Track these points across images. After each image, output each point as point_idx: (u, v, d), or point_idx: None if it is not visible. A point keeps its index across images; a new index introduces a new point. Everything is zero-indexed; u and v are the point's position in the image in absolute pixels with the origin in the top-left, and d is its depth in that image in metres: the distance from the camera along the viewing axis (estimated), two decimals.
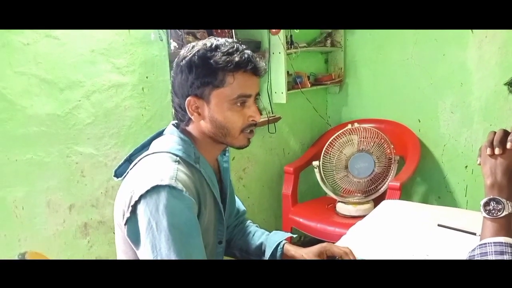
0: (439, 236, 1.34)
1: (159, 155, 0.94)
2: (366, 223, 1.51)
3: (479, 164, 1.02)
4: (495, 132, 0.98)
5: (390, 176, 2.21)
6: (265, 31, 2.22)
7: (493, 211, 0.92)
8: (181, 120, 1.00)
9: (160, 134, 1.05)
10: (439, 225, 1.43)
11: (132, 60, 1.67)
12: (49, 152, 1.51)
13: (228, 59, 0.91)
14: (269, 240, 1.20)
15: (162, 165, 0.91)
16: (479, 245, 0.92)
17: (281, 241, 1.18)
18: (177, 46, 1.70)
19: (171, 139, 0.98)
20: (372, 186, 2.23)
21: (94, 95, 1.59)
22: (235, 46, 0.93)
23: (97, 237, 1.66)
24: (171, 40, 1.70)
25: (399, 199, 1.96)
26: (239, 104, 0.94)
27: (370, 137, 2.16)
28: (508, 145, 0.94)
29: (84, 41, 1.54)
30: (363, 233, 1.40)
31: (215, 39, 0.95)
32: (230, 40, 0.95)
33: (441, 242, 1.30)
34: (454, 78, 2.22)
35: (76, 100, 1.55)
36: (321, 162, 2.20)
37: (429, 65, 2.29)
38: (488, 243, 0.90)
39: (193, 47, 0.94)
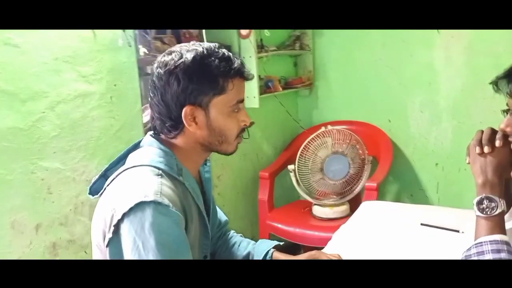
0: (424, 236, 1.34)
1: (139, 169, 0.88)
2: (350, 226, 1.49)
3: (468, 163, 1.02)
4: (482, 131, 0.99)
5: (364, 176, 2.22)
6: (234, 35, 2.17)
7: (487, 210, 0.92)
8: (170, 131, 0.93)
9: (136, 146, 0.99)
10: (422, 224, 1.43)
11: (99, 68, 1.58)
12: (12, 169, 1.39)
13: (227, 65, 0.89)
14: (256, 250, 1.17)
15: (144, 180, 0.85)
16: (475, 244, 0.92)
17: (269, 250, 1.15)
18: (146, 52, 1.62)
19: (151, 151, 0.92)
20: (348, 188, 2.23)
21: (59, 105, 1.49)
22: (224, 51, 0.91)
23: (67, 257, 1.55)
24: (140, 46, 1.63)
25: (376, 199, 1.97)
26: (235, 110, 0.93)
27: (343, 139, 2.16)
28: (497, 143, 0.94)
29: (46, 49, 1.43)
30: (348, 236, 1.38)
31: (199, 44, 0.91)
32: (212, 44, 0.92)
33: (427, 241, 1.30)
34: (422, 78, 2.26)
35: (40, 112, 1.44)
36: (296, 166, 2.18)
37: (398, 66, 2.33)
38: (484, 242, 0.90)
39: (181, 54, 0.89)
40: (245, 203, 2.40)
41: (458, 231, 1.36)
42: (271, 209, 2.27)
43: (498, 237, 0.90)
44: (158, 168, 0.88)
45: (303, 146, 2.16)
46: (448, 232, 1.37)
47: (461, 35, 2.09)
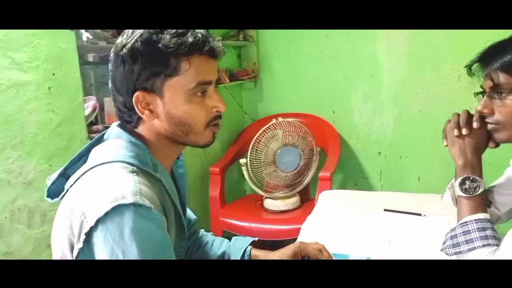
0: (389, 221, 1.37)
1: (110, 165, 0.76)
2: (316, 217, 1.47)
3: (446, 146, 1.04)
4: (458, 114, 1.01)
5: (313, 167, 2.24)
6: None
7: (469, 190, 0.94)
8: (128, 121, 0.83)
9: (100, 140, 0.86)
10: (385, 210, 1.46)
11: (35, 54, 1.38)
12: None
13: (180, 41, 0.76)
14: (232, 248, 1.09)
15: (119, 179, 0.73)
16: (460, 224, 0.93)
17: (246, 247, 1.08)
18: (91, 37, 1.46)
19: (120, 145, 0.80)
20: (298, 179, 2.23)
21: None
22: None
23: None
24: (82, 31, 1.45)
25: (330, 188, 1.99)
26: (199, 94, 0.80)
27: (294, 130, 2.15)
28: (475, 125, 0.96)
29: None
30: (317, 228, 1.36)
31: None
32: None
33: (394, 226, 1.33)
34: (365, 70, 2.33)
35: None
36: (248, 159, 2.13)
37: (341, 58, 2.38)
38: (469, 221, 0.92)
39: (133, 32, 0.78)
40: (194, 201, 2.30)
41: (420, 214, 1.41)
42: (223, 206, 2.19)
43: (482, 215, 0.92)
44: (132, 164, 0.77)
45: (254, 139, 2.11)
46: (411, 216, 1.41)
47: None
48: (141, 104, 0.79)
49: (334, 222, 1.40)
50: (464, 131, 0.97)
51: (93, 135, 1.64)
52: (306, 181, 2.24)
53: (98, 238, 0.69)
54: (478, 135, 0.97)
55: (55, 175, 0.84)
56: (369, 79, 2.34)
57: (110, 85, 0.83)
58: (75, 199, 0.74)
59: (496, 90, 0.92)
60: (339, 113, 2.46)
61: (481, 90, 0.99)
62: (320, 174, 2.02)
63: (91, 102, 1.74)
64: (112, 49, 0.81)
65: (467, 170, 0.96)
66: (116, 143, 0.82)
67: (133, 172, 0.76)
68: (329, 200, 1.62)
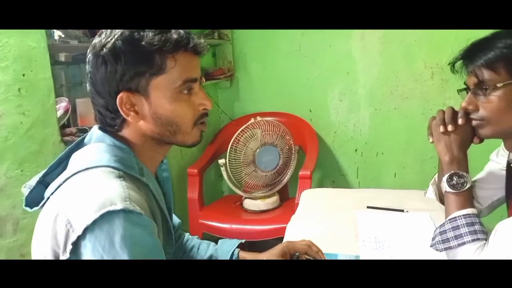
0: (373, 218, 1.37)
1: (95, 171, 0.73)
2: (300, 216, 1.47)
3: (432, 142, 1.05)
4: (443, 111, 1.02)
5: (292, 166, 2.23)
6: None
7: (457, 185, 0.95)
8: (111, 125, 0.79)
9: (80, 144, 0.82)
10: (368, 207, 1.47)
11: (3, 54, 1.30)
12: None
13: (164, 38, 0.73)
14: (219, 252, 1.08)
15: (105, 184, 0.70)
16: (449, 219, 0.94)
17: (234, 250, 1.06)
18: (62, 36, 1.39)
19: (103, 149, 0.77)
20: (278, 178, 2.22)
21: None
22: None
23: None
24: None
25: (310, 187, 1.99)
26: (185, 91, 0.77)
27: (272, 129, 2.14)
28: (460, 121, 0.98)
29: None
30: (303, 227, 1.35)
31: None
32: None
33: (378, 223, 1.33)
34: (341, 68, 2.35)
35: None
36: (227, 159, 2.10)
37: (317, 56, 2.38)
38: (458, 216, 0.93)
39: (112, 31, 0.75)
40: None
41: (402, 211, 1.42)
42: (202, 207, 2.15)
43: (470, 210, 0.93)
44: (117, 169, 0.73)
45: (233, 138, 2.08)
46: (394, 212, 1.42)
47: None
48: (125, 106, 0.76)
49: (319, 221, 1.39)
50: (449, 128, 0.98)
51: (66, 138, 1.57)
52: (285, 180, 2.24)
53: (86, 248, 0.65)
54: (463, 131, 0.98)
55: (32, 182, 0.79)
56: (345, 77, 2.35)
57: (89, 87, 0.79)
58: (59, 208, 0.70)
59: (480, 87, 0.93)
60: (315, 112, 2.47)
61: (464, 87, 1.01)
62: (300, 173, 2.02)
63: (63, 103, 1.67)
64: (89, 50, 0.78)
65: (454, 166, 0.97)
66: (98, 147, 0.78)
67: (119, 177, 0.72)
68: (311, 199, 1.61)
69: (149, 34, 0.73)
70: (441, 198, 1.19)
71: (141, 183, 0.77)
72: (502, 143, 1.15)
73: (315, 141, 2.32)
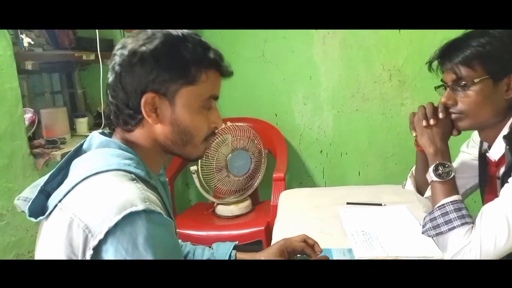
0: (355, 213, 1.43)
1: (107, 175, 0.72)
2: (284, 217, 1.49)
3: (415, 136, 1.12)
4: (424, 107, 1.10)
5: (262, 170, 2.26)
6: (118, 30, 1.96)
7: (443, 175, 1.02)
8: (125, 122, 0.80)
9: (78, 151, 0.81)
10: (348, 203, 1.53)
11: None
12: None
13: (203, 53, 0.77)
14: (216, 255, 1.09)
15: (121, 187, 0.69)
16: (438, 207, 1.01)
17: (231, 252, 1.07)
18: (32, 42, 1.32)
19: (111, 153, 0.76)
20: (250, 183, 2.24)
21: None
22: (203, 39, 0.80)
23: None
24: (23, 35, 1.31)
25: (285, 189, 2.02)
26: (207, 107, 0.81)
27: (243, 134, 2.16)
28: (441, 115, 1.05)
29: None
30: (289, 227, 1.38)
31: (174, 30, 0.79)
32: (190, 31, 0.80)
33: (360, 217, 1.39)
34: (304, 72, 2.41)
35: None
36: (199, 166, 2.08)
37: (280, 61, 2.43)
38: (446, 203, 0.99)
39: (153, 34, 0.76)
40: None
41: (381, 204, 1.50)
42: (175, 217, 2.11)
43: (457, 197, 1.00)
44: (129, 172, 0.73)
45: None
46: (373, 206, 1.49)
47: (336, 31, 2.30)
48: (148, 107, 0.77)
49: (303, 220, 1.43)
50: (431, 122, 1.05)
51: (35, 150, 1.50)
52: (256, 184, 2.26)
53: (108, 252, 0.64)
54: (444, 124, 1.06)
55: (26, 194, 0.77)
56: (308, 82, 2.42)
57: (111, 80, 0.79)
58: (72, 214, 0.68)
59: (458, 83, 1.01)
60: (281, 116, 2.52)
61: (441, 83, 1.09)
62: (274, 175, 2.05)
63: (29, 114, 1.59)
64: (121, 45, 0.78)
65: (439, 157, 1.04)
66: (105, 152, 0.77)
67: (132, 179, 0.72)
68: (290, 200, 1.65)
69: (190, 46, 0.76)
70: (419, 189, 1.26)
71: (151, 186, 0.76)
72: (472, 135, 1.25)
73: (283, 144, 2.37)
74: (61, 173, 0.79)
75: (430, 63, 1.09)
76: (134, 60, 0.75)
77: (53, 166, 0.80)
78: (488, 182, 1.13)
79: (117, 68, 0.77)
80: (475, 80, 0.98)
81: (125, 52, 0.76)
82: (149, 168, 0.80)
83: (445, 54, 1.04)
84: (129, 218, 0.64)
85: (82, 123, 1.86)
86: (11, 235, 1.38)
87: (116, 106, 0.79)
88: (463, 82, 1.00)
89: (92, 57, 1.77)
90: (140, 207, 0.65)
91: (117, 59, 0.77)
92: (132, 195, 0.67)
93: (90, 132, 0.85)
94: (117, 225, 0.63)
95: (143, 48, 0.75)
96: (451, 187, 1.02)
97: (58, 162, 0.81)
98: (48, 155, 1.44)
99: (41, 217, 0.73)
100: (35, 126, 1.58)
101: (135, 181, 0.72)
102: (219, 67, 0.80)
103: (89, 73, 2.15)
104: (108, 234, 0.63)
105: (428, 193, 1.21)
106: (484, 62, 0.97)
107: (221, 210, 2.18)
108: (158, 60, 0.74)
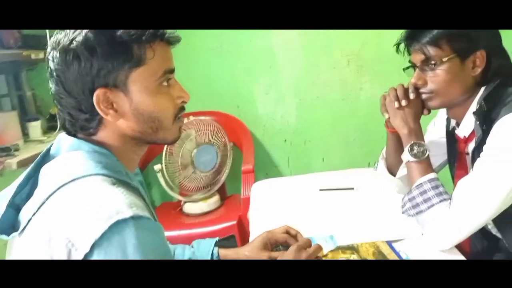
0: (329, 198, 1.44)
1: (85, 181, 0.66)
2: (258, 209, 1.47)
3: (388, 118, 1.13)
4: (395, 89, 1.11)
5: (228, 164, 2.23)
6: None
7: (418, 154, 1.04)
8: (84, 128, 0.74)
9: (46, 156, 0.75)
10: (321, 190, 1.53)
11: None
12: None
13: (139, 28, 0.70)
14: (198, 254, 1.06)
15: (103, 193, 0.64)
16: (416, 186, 1.02)
17: (213, 249, 1.04)
18: None
19: (84, 156, 0.71)
20: (217, 178, 2.20)
21: None
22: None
23: None
24: None
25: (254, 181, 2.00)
26: (165, 83, 0.74)
27: (207, 128, 2.11)
28: (411, 96, 1.07)
29: None
30: (267, 219, 1.35)
31: None
32: None
33: (335, 202, 1.40)
34: (264, 62, 2.38)
35: None
36: (163, 164, 2.02)
37: (239, 52, 2.39)
38: (423, 182, 1.01)
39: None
40: None
41: (353, 188, 1.51)
42: None
43: (433, 175, 1.03)
44: (108, 176, 0.68)
45: None
46: (346, 190, 1.51)
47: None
48: (103, 104, 0.70)
49: (279, 210, 1.41)
50: (403, 103, 1.07)
51: None
52: (223, 178, 2.22)
53: None
54: (415, 104, 1.08)
55: (1, 207, 0.69)
56: (268, 71, 2.40)
57: (54, 88, 0.72)
58: (51, 228, 0.62)
59: (427, 63, 1.03)
60: (243, 107, 2.48)
61: (409, 65, 1.10)
62: (243, 168, 2.03)
63: None
64: (51, 47, 0.71)
65: (413, 137, 1.06)
66: (77, 155, 0.71)
67: (113, 184, 0.67)
68: (263, 191, 1.63)
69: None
70: (391, 170, 1.29)
71: (133, 188, 0.71)
72: (438, 114, 1.28)
73: (248, 135, 2.34)
74: (30, 183, 0.72)
75: (397, 45, 1.10)
76: (69, 59, 0.68)
77: (9, 176, 0.73)
78: (457, 159, 1.16)
79: (55, 74, 0.70)
80: (444, 59, 1.00)
81: (57, 53, 0.69)
82: (126, 168, 0.75)
83: (413, 35, 1.05)
84: (116, 227, 0.59)
85: (35, 127, 1.73)
86: None
87: (68, 114, 0.72)
88: (432, 62, 1.02)
89: (41, 55, 1.66)
90: (127, 214, 0.60)
91: (51, 64, 0.70)
92: (116, 202, 0.62)
93: (44, 136, 0.78)
94: (103, 236, 0.58)
95: (74, 43, 0.67)
96: (427, 165, 1.04)
97: (14, 171, 0.73)
98: (3, 164, 1.33)
99: (14, 234, 0.66)
100: None
101: (116, 185, 0.66)
102: (162, 36, 0.72)
103: (37, 73, 2.01)
104: (94, 246, 0.58)
105: (400, 173, 1.24)
106: (451, 41, 0.99)
107: (190, 208, 2.13)
108: (95, 51, 0.67)
